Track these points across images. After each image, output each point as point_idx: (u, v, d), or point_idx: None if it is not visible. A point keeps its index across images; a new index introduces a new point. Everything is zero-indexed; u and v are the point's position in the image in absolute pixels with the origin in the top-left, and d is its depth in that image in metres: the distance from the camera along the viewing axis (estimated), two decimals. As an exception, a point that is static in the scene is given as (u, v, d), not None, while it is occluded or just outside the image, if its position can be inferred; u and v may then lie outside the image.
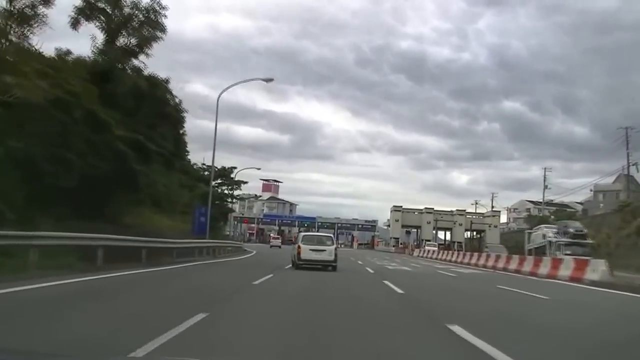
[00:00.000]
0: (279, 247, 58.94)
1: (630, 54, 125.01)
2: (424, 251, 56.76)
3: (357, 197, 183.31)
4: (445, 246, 78.09)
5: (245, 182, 55.62)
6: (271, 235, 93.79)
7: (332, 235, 23.60)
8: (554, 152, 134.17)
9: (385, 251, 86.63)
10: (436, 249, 59.86)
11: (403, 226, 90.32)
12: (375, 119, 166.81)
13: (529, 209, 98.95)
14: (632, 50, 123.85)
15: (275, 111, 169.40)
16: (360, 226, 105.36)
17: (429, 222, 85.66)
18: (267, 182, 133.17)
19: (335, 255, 18.27)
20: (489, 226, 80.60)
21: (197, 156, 56.34)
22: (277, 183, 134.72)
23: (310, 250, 18.13)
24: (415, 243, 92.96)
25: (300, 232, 36.51)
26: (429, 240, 79.98)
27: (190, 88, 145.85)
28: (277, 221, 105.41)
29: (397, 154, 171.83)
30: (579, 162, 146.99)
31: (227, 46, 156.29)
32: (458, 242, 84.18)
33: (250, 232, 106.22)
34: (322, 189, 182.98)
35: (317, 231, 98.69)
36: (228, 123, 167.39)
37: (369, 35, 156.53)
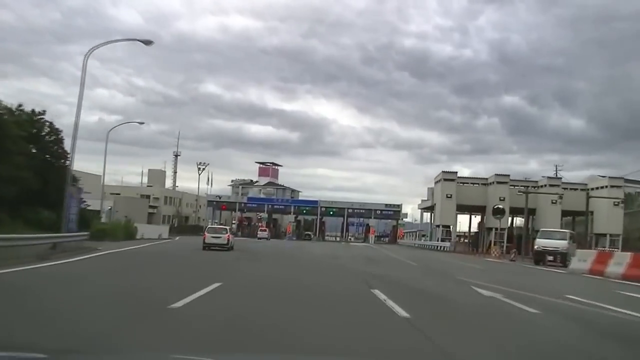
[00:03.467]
0: (267, 239, 56.03)
1: (629, 44, 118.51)
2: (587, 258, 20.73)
3: (363, 191, 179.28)
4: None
5: None
6: (249, 226, 75.77)
7: (227, 228, 31.66)
8: (552, 146, 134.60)
9: (425, 247, 54.02)
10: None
11: (459, 207, 56.48)
12: (380, 115, 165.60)
13: (605, 186, 68.71)
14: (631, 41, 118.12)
15: (285, 109, 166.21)
16: (378, 212, 73.12)
17: (503, 199, 51.88)
18: (263, 166, 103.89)
19: (228, 240, 26.24)
20: (618, 203, 46.01)
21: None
22: (276, 167, 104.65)
23: (212, 237, 26.08)
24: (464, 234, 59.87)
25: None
26: (536, 230, 47.06)
27: (204, 88, 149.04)
28: (266, 207, 73.15)
29: (401, 149, 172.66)
30: (576, 155, 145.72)
31: (237, 46, 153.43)
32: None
33: (234, 222, 75.45)
34: (328, 183, 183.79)
35: (321, 219, 67.60)
36: (241, 122, 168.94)
37: (374, 33, 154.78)
